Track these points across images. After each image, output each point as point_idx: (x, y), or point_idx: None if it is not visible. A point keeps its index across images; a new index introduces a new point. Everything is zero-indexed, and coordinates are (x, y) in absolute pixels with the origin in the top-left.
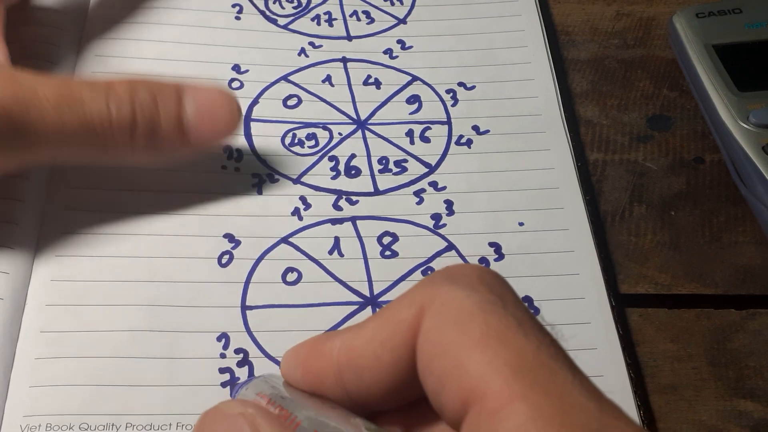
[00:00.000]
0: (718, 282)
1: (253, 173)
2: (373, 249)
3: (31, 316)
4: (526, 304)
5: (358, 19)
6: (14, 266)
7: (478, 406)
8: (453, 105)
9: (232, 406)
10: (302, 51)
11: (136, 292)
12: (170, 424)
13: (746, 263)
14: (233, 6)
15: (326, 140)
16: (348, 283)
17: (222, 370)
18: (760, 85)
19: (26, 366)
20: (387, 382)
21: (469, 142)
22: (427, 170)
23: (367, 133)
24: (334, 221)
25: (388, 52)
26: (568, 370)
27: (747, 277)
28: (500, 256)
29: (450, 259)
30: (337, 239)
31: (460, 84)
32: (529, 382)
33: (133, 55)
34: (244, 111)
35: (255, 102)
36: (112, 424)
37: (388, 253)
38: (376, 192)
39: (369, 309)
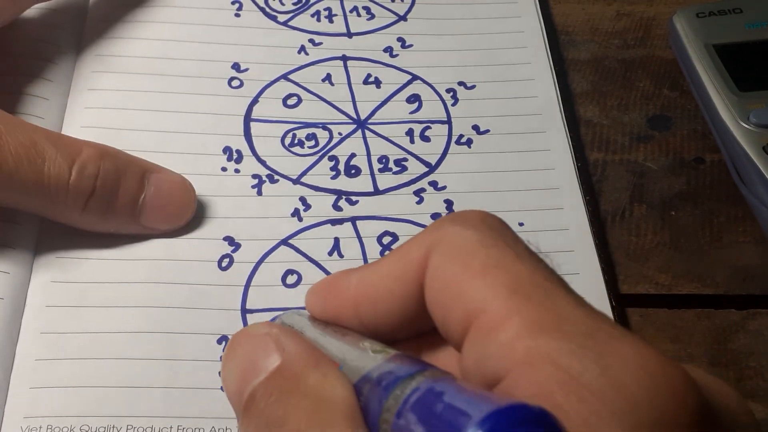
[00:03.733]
0: (718, 282)
1: (253, 174)
2: (373, 249)
3: (31, 317)
4: None
5: (359, 15)
6: (14, 266)
7: (477, 323)
8: (453, 104)
9: (258, 327)
10: (302, 48)
11: (136, 294)
12: (171, 427)
13: (746, 263)
14: (233, 3)
15: (326, 140)
16: None
17: None
18: (760, 85)
19: (26, 367)
20: (398, 314)
21: (469, 142)
22: (427, 170)
23: (367, 133)
24: (334, 222)
25: (389, 50)
26: (561, 288)
27: (747, 277)
28: None
29: None
30: (336, 240)
31: (461, 83)
32: (524, 297)
33: (133, 54)
34: (244, 111)
35: (255, 101)
36: (113, 426)
37: (387, 253)
38: (376, 192)
39: None
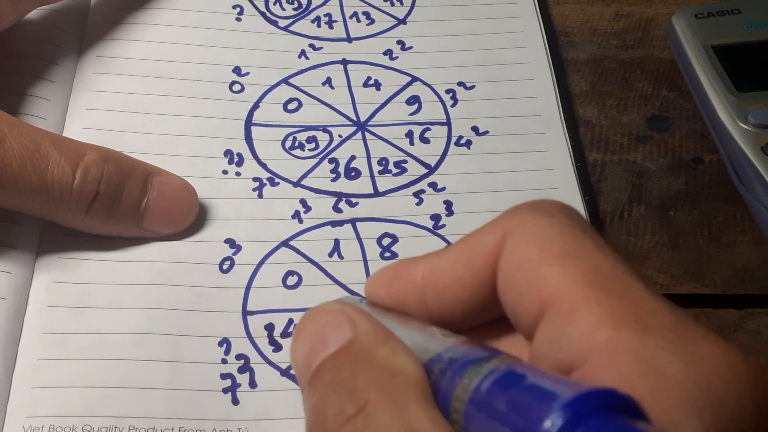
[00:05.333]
0: (717, 282)
1: (254, 177)
2: (373, 251)
3: (32, 317)
4: None
5: (358, 21)
6: (16, 266)
7: (552, 309)
8: (453, 105)
9: (331, 304)
10: (302, 53)
11: (138, 296)
12: (173, 428)
13: (745, 263)
14: (234, 7)
15: (326, 143)
16: (348, 285)
17: (223, 376)
18: (758, 86)
19: (28, 367)
20: (466, 302)
21: (468, 143)
22: (426, 171)
23: (367, 135)
24: (334, 223)
25: (388, 53)
26: (642, 283)
27: (746, 277)
28: None
29: None
30: (337, 241)
31: (460, 84)
32: (604, 289)
33: (134, 56)
34: (245, 116)
35: (255, 106)
36: (115, 427)
37: (387, 254)
38: (376, 193)
39: None
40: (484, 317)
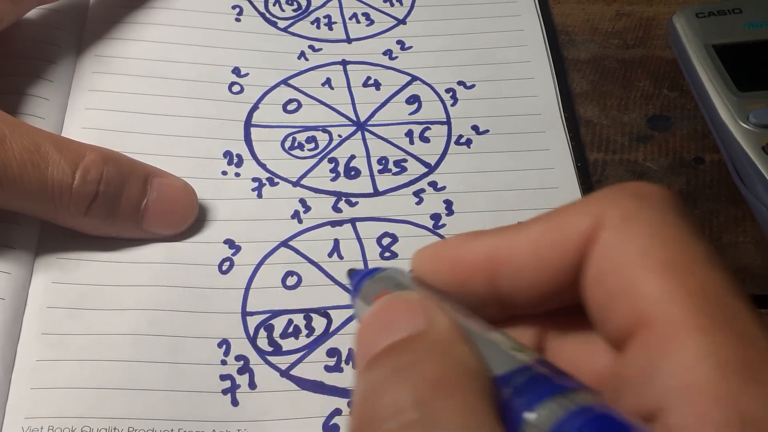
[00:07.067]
0: None
1: (254, 177)
2: (373, 250)
3: (31, 317)
4: None
5: (358, 22)
6: (15, 267)
7: (648, 330)
8: (452, 105)
9: (413, 294)
10: (302, 54)
11: (137, 297)
12: (172, 429)
13: (746, 263)
14: (233, 8)
15: (326, 143)
16: (348, 286)
17: (223, 377)
18: (760, 85)
19: (27, 367)
20: (545, 286)
21: (468, 142)
22: (426, 170)
23: (367, 135)
24: (334, 223)
25: (388, 53)
26: (753, 312)
27: (747, 277)
28: None
29: None
30: (336, 241)
31: (460, 83)
32: (710, 314)
33: (133, 55)
34: (244, 117)
35: (255, 107)
36: (114, 428)
37: (387, 254)
38: (376, 193)
39: None
40: (553, 304)
